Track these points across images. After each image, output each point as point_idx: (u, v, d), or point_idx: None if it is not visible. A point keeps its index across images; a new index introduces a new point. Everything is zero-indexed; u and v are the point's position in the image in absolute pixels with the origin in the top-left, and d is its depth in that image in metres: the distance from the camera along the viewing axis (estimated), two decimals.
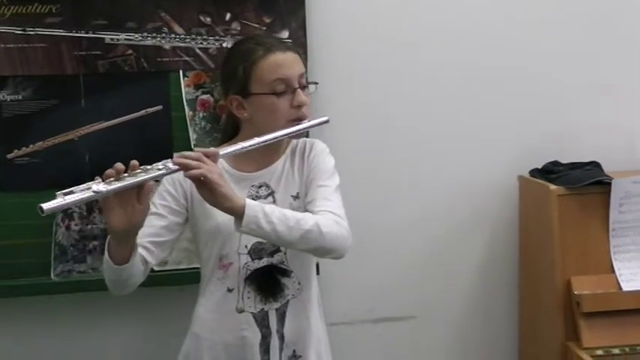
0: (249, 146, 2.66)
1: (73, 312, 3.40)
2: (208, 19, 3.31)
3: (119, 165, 2.42)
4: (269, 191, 2.81)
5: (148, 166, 2.47)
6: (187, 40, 3.31)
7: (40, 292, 3.28)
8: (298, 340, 2.85)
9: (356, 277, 3.48)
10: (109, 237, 2.58)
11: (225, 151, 2.64)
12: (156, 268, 2.88)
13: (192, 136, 3.34)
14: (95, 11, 3.23)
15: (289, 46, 2.95)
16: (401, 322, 3.66)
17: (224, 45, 3.32)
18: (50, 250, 3.26)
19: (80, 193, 2.33)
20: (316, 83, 2.92)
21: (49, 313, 3.39)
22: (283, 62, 2.77)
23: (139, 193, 2.45)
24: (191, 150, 2.99)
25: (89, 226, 3.28)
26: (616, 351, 3.21)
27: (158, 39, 3.29)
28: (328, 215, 2.67)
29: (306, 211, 2.74)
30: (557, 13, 3.62)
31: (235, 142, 2.74)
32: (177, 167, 2.49)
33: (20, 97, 3.22)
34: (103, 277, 2.76)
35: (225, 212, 2.57)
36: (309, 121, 2.80)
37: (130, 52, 3.27)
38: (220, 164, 2.65)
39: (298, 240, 2.61)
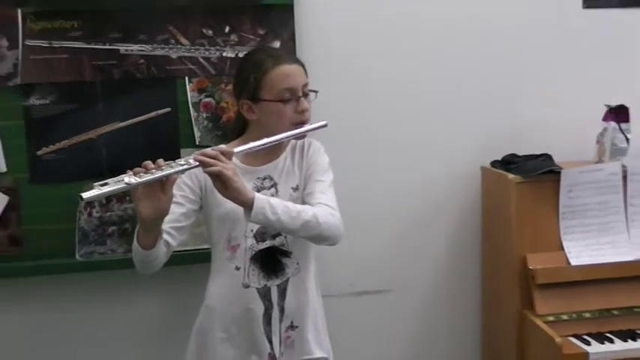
0: (260, 146, 2.82)
1: (96, 288, 3.52)
2: (210, 32, 3.45)
3: (149, 163, 2.59)
4: (272, 183, 2.97)
5: (172, 162, 2.63)
6: (192, 50, 3.44)
7: (67, 270, 3.41)
8: (296, 313, 2.98)
9: (341, 256, 3.54)
10: (137, 226, 2.71)
11: (240, 149, 2.78)
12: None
13: (197, 134, 3.47)
14: (111, 26, 3.37)
15: (295, 58, 3.09)
16: (379, 294, 3.80)
17: (224, 54, 3.46)
18: (75, 234, 3.40)
19: (114, 185, 2.51)
20: (316, 91, 3.00)
21: (74, 289, 3.50)
22: (290, 73, 2.91)
23: (164, 185, 2.60)
24: (196, 147, 3.23)
25: (108, 214, 3.41)
26: (565, 317, 3.38)
27: (166, 49, 3.42)
28: (324, 208, 2.84)
29: (304, 202, 2.91)
30: (515, 22, 3.78)
31: (245, 141, 2.88)
32: (197, 164, 2.64)
33: (47, 102, 3.35)
34: (120, 258, 3.01)
35: (237, 204, 2.72)
36: (310, 125, 2.95)
37: (141, 61, 3.41)
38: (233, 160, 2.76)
39: (299, 228, 2.77)
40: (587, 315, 3.43)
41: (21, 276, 3.42)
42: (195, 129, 3.50)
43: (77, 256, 3.43)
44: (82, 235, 3.43)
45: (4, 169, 3.37)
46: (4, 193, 3.38)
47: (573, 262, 3.49)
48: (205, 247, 3.13)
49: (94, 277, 3.48)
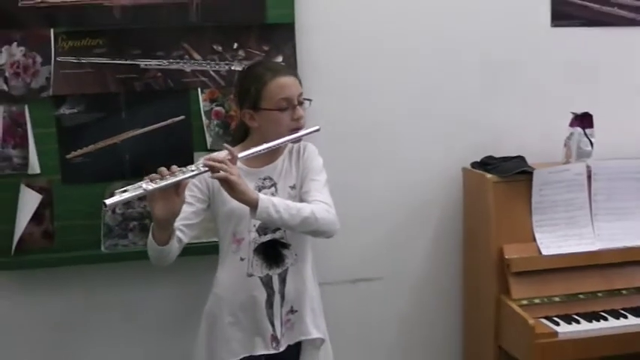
0: (260, 151, 2.89)
1: (119, 276, 3.58)
2: (220, 48, 3.50)
3: (163, 170, 2.67)
4: (272, 183, 3.03)
5: (184, 168, 2.70)
6: (204, 64, 3.49)
7: (93, 261, 3.48)
8: (295, 299, 3.04)
9: (338, 248, 3.59)
10: (152, 224, 2.79)
11: (243, 155, 2.84)
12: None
13: (208, 139, 3.51)
14: (132, 43, 3.43)
15: (291, 71, 3.14)
16: (372, 282, 3.85)
17: (232, 68, 3.49)
18: (100, 229, 3.46)
19: (133, 191, 2.61)
20: (310, 100, 3.06)
21: (100, 278, 3.57)
22: (286, 84, 2.98)
23: (178, 188, 2.69)
24: (208, 151, 3.29)
25: (129, 210, 3.46)
26: (537, 301, 3.45)
27: (181, 64, 3.48)
28: (321, 205, 2.91)
29: (301, 199, 2.96)
30: (492, 39, 3.85)
31: (247, 146, 2.97)
32: (206, 169, 2.72)
33: (76, 111, 3.41)
34: (141, 250, 3.05)
35: (242, 204, 2.79)
36: (305, 130, 3.01)
37: (159, 74, 3.46)
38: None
39: (299, 224, 2.85)
40: (557, 299, 3.50)
41: (53, 266, 3.49)
42: (207, 135, 3.54)
43: (102, 248, 3.49)
44: (107, 229, 3.49)
45: (38, 171, 3.43)
46: (38, 192, 3.44)
47: (544, 252, 3.55)
48: (215, 240, 3.16)
49: (118, 267, 3.54)
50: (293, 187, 3.07)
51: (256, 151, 2.91)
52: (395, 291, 3.93)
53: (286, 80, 3.01)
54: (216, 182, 2.82)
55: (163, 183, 2.66)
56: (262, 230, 3.03)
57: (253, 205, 2.78)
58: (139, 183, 2.64)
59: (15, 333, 3.60)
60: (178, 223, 2.86)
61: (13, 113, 3.40)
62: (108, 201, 2.57)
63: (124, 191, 2.60)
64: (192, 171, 2.73)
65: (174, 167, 2.71)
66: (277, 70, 3.05)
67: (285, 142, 3.00)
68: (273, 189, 3.05)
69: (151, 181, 2.66)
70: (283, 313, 3.05)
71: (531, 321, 3.30)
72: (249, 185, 2.84)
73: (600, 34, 3.97)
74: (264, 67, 3.07)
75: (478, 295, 3.76)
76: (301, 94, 3.05)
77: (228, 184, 2.75)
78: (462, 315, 3.99)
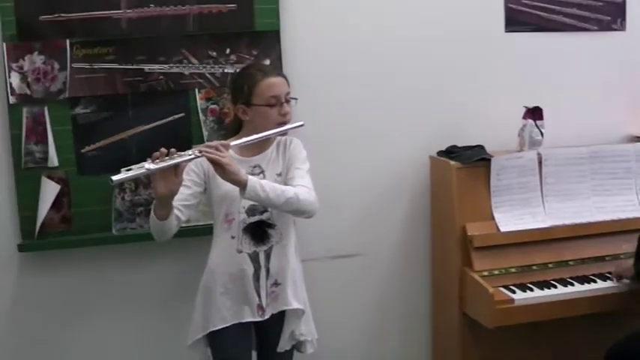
0: (250, 140, 2.88)
1: (128, 255, 3.52)
2: (214, 53, 3.45)
3: (163, 149, 2.68)
4: (261, 170, 2.98)
5: (182, 152, 2.71)
6: (200, 67, 3.44)
7: (105, 242, 3.43)
8: (279, 273, 2.99)
9: (319, 226, 3.46)
10: (154, 202, 2.79)
11: (234, 143, 2.85)
12: (183, 225, 2.94)
13: (205, 134, 3.46)
14: (138, 51, 3.38)
15: (279, 72, 3.14)
16: (350, 258, 3.79)
17: (225, 70, 3.44)
18: (111, 214, 3.41)
19: (137, 170, 2.61)
20: (296, 99, 3.07)
21: (111, 257, 3.51)
22: (275, 84, 2.97)
23: (176, 170, 2.69)
24: (204, 143, 3.09)
25: (137, 197, 3.42)
26: (496, 272, 3.41)
27: (180, 67, 3.42)
28: (303, 188, 2.88)
29: (286, 184, 2.92)
30: (454, 42, 3.77)
31: (240, 137, 2.94)
32: (201, 154, 2.72)
33: (89, 111, 3.36)
34: (147, 232, 2.96)
35: (233, 184, 2.77)
36: (290, 124, 2.99)
37: (161, 77, 3.41)
38: (230, 152, 2.82)
39: (283, 203, 2.82)
40: (513, 270, 3.45)
41: (70, 247, 3.44)
42: (204, 130, 3.48)
43: (114, 231, 3.44)
44: (117, 214, 3.44)
45: (56, 164, 3.38)
46: (56, 182, 3.38)
47: (502, 229, 3.49)
48: (211, 222, 3.11)
49: (127, 247, 3.49)
50: (279, 175, 3.02)
51: (247, 141, 2.90)
52: (371, 266, 3.85)
53: (275, 80, 3.00)
54: (212, 168, 2.81)
55: (163, 164, 2.66)
56: (251, 212, 2.97)
57: (243, 184, 2.76)
58: (142, 163, 2.64)
59: (38, 306, 3.54)
60: (177, 203, 2.84)
61: (35, 113, 3.35)
62: (114, 177, 2.58)
63: (129, 169, 2.61)
64: (189, 155, 2.73)
65: (173, 150, 2.71)
66: (268, 71, 3.05)
67: (272, 134, 2.98)
68: (261, 175, 2.99)
69: (153, 161, 2.66)
70: (268, 285, 3.00)
71: (491, 290, 3.28)
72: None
73: (549, 39, 3.89)
74: (256, 68, 3.07)
75: (444, 268, 3.69)
76: (288, 93, 3.03)
77: (220, 166, 2.74)
78: (431, 286, 3.91)
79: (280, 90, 2.98)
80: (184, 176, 2.81)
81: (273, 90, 2.96)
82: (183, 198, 2.88)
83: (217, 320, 2.97)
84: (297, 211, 2.90)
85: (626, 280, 3.38)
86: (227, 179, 2.76)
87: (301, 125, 3.03)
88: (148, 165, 2.63)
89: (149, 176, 2.77)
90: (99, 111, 3.40)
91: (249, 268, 2.97)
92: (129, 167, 2.60)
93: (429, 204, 3.83)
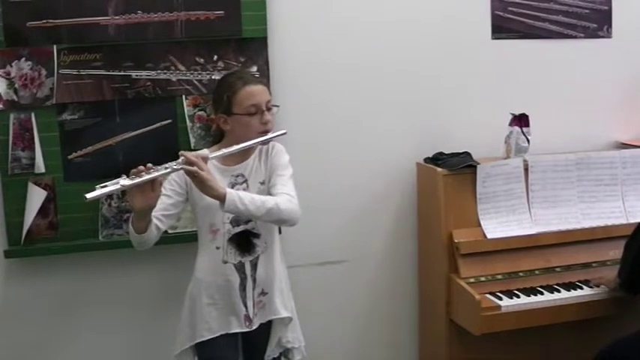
0: (230, 152, 2.84)
1: (115, 262, 3.47)
2: (202, 60, 3.41)
3: (140, 167, 2.62)
4: (244, 179, 2.94)
5: (159, 167, 2.66)
6: (187, 74, 3.41)
7: (92, 248, 3.39)
8: (265, 282, 2.96)
9: (306, 232, 3.47)
10: (132, 214, 2.76)
11: (214, 155, 2.80)
12: (169, 231, 2.96)
13: (192, 140, 3.42)
14: (125, 57, 3.34)
15: (260, 80, 3.11)
16: (337, 264, 3.76)
17: (213, 77, 3.40)
18: (98, 220, 3.37)
19: (112, 186, 2.56)
20: (278, 106, 3.02)
21: (98, 263, 3.47)
22: (255, 92, 2.91)
23: (153, 184, 2.63)
24: (192, 150, 3.15)
25: (123, 204, 3.36)
26: (482, 279, 3.39)
27: (168, 74, 3.38)
28: (285, 196, 2.82)
29: (269, 192, 2.87)
30: (441, 48, 3.74)
31: (222, 146, 2.90)
32: (179, 167, 2.67)
33: (76, 117, 3.32)
34: None
35: (212, 198, 2.71)
36: (272, 133, 2.94)
37: (148, 83, 3.37)
38: (211, 161, 2.79)
39: (264, 214, 2.76)
40: (500, 277, 3.44)
41: (57, 253, 3.39)
42: (191, 136, 3.45)
43: (100, 238, 3.40)
44: (104, 220, 3.40)
45: (43, 170, 3.33)
46: (43, 189, 3.33)
47: (489, 235, 3.48)
48: (195, 229, 3.10)
49: (114, 254, 3.45)
50: (262, 183, 2.97)
51: (227, 152, 2.85)
52: (358, 272, 3.82)
53: (255, 88, 2.94)
54: None
55: (138, 180, 2.60)
56: (235, 222, 2.94)
57: (221, 198, 2.71)
58: (117, 179, 2.59)
59: (24, 313, 3.49)
60: (158, 213, 2.80)
61: (22, 120, 3.31)
62: (88, 195, 2.52)
63: (104, 186, 2.55)
64: (166, 169, 2.68)
65: (149, 165, 2.65)
66: (247, 79, 2.99)
67: (253, 144, 2.93)
68: (244, 185, 2.95)
69: (129, 177, 2.60)
70: (255, 295, 2.97)
71: (478, 296, 3.26)
72: (220, 181, 2.80)
73: (535, 46, 3.88)
74: (235, 77, 3.01)
75: (431, 274, 3.66)
76: (269, 100, 2.97)
77: (198, 180, 2.68)
78: (417, 292, 3.87)
79: (260, 98, 2.93)
80: (166, 185, 2.82)
81: (252, 99, 2.91)
82: (164, 207, 2.85)
83: (204, 331, 2.94)
84: (279, 220, 2.86)
85: (605, 288, 3.40)
86: (206, 193, 2.71)
87: (284, 134, 2.98)
88: (123, 181, 2.58)
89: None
90: (86, 117, 3.35)
91: (235, 279, 2.94)
92: (104, 184, 2.55)
93: (416, 211, 3.80)
